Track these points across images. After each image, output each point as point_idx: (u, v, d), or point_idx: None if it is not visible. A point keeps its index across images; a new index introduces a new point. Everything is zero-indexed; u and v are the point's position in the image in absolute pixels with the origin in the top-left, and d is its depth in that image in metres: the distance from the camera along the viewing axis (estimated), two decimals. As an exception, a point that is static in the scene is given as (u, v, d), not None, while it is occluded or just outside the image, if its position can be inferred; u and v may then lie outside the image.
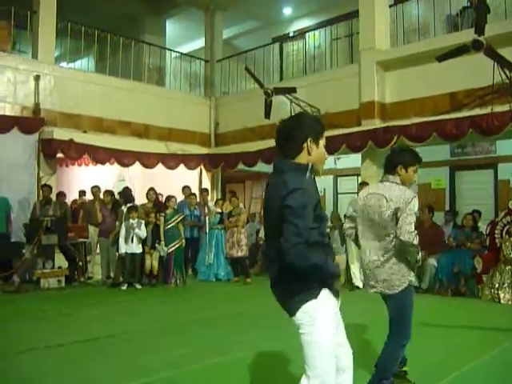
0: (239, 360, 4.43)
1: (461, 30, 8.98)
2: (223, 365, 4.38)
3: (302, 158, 2.40)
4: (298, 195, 2.25)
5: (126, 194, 9.22)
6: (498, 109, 7.65)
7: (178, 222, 9.31)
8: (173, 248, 9.19)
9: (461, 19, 9.24)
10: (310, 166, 2.39)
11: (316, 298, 2.32)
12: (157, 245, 9.15)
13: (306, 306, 2.33)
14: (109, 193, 9.45)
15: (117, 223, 9.04)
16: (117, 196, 9.46)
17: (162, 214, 9.34)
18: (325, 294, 2.35)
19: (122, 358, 4.59)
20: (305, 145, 2.39)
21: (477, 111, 8.00)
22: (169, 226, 9.24)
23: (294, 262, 2.20)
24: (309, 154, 2.40)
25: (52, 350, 4.82)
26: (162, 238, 9.17)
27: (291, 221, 2.21)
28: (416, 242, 3.20)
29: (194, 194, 10.18)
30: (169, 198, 9.51)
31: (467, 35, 7.55)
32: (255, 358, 4.43)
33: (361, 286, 7.74)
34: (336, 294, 2.42)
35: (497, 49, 7.40)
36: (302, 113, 2.60)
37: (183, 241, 9.41)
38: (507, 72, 7.59)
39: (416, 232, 3.21)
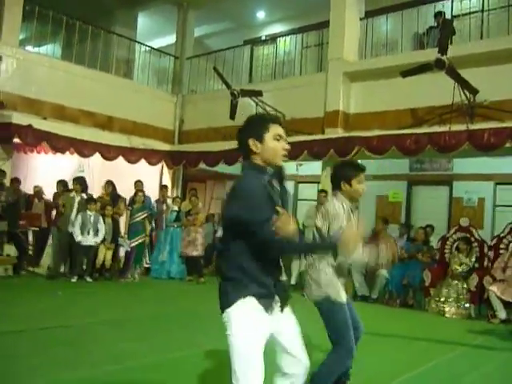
0: (181, 358, 4.42)
1: (426, 48, 9.21)
2: (165, 362, 4.34)
3: (255, 159, 2.40)
4: (246, 198, 2.27)
5: (83, 181, 9.06)
6: (456, 127, 7.88)
7: (143, 218, 9.24)
8: (135, 243, 9.14)
9: (427, 38, 9.47)
10: (268, 170, 2.39)
11: (237, 302, 2.27)
12: (120, 238, 9.07)
13: (229, 309, 2.28)
14: (61, 183, 9.28)
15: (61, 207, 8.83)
16: (70, 184, 9.25)
17: (129, 208, 9.28)
18: (248, 301, 2.28)
19: (62, 350, 4.49)
20: (249, 145, 2.39)
21: (436, 128, 8.22)
22: (134, 221, 9.17)
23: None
24: (255, 153, 2.39)
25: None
26: (126, 231, 9.12)
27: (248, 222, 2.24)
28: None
29: (142, 191, 9.88)
30: (137, 191, 9.45)
31: (432, 54, 7.74)
32: (198, 356, 4.41)
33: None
34: (265, 296, 2.34)
35: (459, 69, 7.63)
36: (249, 116, 2.56)
37: (147, 238, 9.36)
38: (466, 93, 7.84)
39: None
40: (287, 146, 2.43)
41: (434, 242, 8.53)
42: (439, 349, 5.43)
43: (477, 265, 7.80)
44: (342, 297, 3.27)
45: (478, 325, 6.86)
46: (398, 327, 6.55)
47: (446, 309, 7.58)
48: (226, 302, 2.31)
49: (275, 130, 2.40)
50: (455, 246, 8.08)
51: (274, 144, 2.39)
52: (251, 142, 2.38)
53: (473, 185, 10.09)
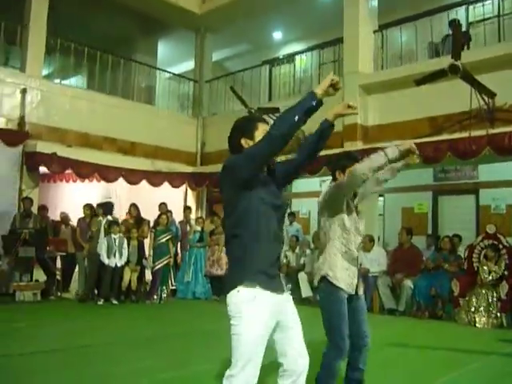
0: (200, 373, 4.40)
1: (442, 56, 9.14)
2: (184, 377, 4.35)
3: None
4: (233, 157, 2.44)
5: (107, 206, 9.25)
6: (476, 133, 7.75)
7: (167, 240, 9.34)
8: (160, 265, 9.21)
9: (442, 46, 9.41)
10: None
11: (244, 285, 2.32)
12: (144, 261, 9.17)
13: (236, 295, 2.33)
14: (88, 206, 9.47)
15: (88, 232, 8.99)
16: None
17: (153, 230, 9.40)
18: (254, 284, 2.32)
19: (85, 369, 4.55)
20: (241, 144, 2.48)
21: (456, 135, 8.10)
22: (158, 243, 9.27)
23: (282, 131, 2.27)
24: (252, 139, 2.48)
25: (15, 359, 4.76)
26: (151, 253, 9.21)
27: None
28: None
29: (170, 211, 10.11)
30: (160, 214, 9.58)
31: (447, 61, 7.66)
32: (216, 371, 4.38)
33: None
34: (276, 286, 2.39)
35: (477, 75, 7.53)
36: (236, 119, 2.64)
37: (171, 259, 9.44)
38: (485, 97, 7.72)
39: None
40: None
41: (462, 251, 8.33)
42: (467, 358, 5.25)
43: (506, 272, 7.55)
44: (341, 283, 3.27)
45: (510, 333, 6.64)
46: (426, 339, 6.37)
47: (477, 319, 7.35)
48: (230, 284, 2.36)
49: (263, 127, 2.50)
50: (483, 253, 7.87)
51: None
52: (243, 141, 2.48)
53: (500, 192, 9.83)
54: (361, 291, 3.41)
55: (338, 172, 3.43)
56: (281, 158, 2.75)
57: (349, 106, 2.63)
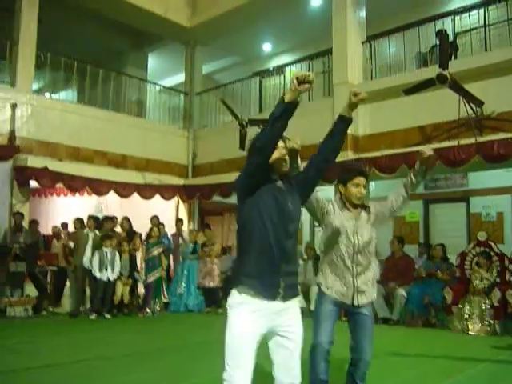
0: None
1: (430, 66, 9.24)
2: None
3: None
4: None
5: (97, 219, 9.23)
6: (465, 141, 7.82)
7: (159, 252, 9.31)
8: (153, 278, 9.17)
9: (430, 56, 9.52)
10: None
11: (234, 292, 2.41)
12: (136, 274, 9.13)
13: (228, 299, 2.45)
14: (78, 220, 9.43)
15: (71, 243, 8.94)
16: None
17: (145, 243, 9.38)
18: (244, 293, 2.38)
19: (80, 383, 4.51)
20: None
21: (445, 144, 8.16)
22: (150, 256, 9.23)
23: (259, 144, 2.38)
24: None
25: (6, 376, 4.70)
26: (142, 266, 9.17)
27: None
28: None
29: (162, 224, 10.11)
30: (152, 227, 9.56)
31: (435, 71, 7.76)
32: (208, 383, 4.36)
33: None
34: (270, 294, 2.40)
35: (465, 84, 7.62)
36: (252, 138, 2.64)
37: (163, 271, 9.40)
38: (473, 106, 7.80)
39: None
40: (284, 152, 2.55)
41: (453, 258, 8.36)
42: (461, 365, 5.26)
43: (498, 279, 7.60)
44: (330, 291, 3.35)
45: (503, 340, 6.63)
46: (420, 347, 6.36)
47: (470, 326, 7.37)
48: (229, 290, 2.47)
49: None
50: (475, 261, 7.91)
51: (274, 154, 2.50)
52: None
53: (490, 199, 9.89)
54: (359, 303, 3.34)
55: (340, 185, 3.45)
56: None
57: (355, 95, 2.63)
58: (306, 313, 7.90)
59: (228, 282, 2.56)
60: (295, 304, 2.49)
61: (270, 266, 2.41)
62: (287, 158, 2.59)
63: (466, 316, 7.46)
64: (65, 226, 10.78)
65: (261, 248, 2.41)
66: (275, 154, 2.51)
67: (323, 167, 2.67)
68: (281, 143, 2.55)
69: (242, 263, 2.47)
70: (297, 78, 2.27)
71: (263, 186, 2.46)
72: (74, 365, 5.22)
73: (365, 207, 3.48)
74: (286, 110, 2.31)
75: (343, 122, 2.67)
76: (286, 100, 2.30)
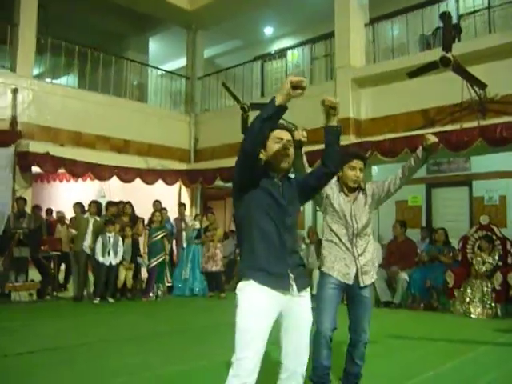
0: (197, 369, 4.41)
1: (433, 48, 9.16)
2: (179, 373, 4.35)
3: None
4: None
5: (99, 204, 9.26)
6: (468, 125, 7.77)
7: (162, 237, 9.33)
8: (155, 262, 9.21)
9: (433, 39, 9.42)
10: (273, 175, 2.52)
11: (245, 280, 2.40)
12: (139, 258, 9.17)
13: (237, 287, 2.43)
14: (78, 205, 9.46)
15: (72, 231, 8.97)
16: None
17: (147, 228, 9.39)
18: (254, 278, 2.37)
19: (80, 365, 4.56)
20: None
21: (448, 127, 8.11)
22: (153, 240, 9.26)
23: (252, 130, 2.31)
24: (261, 159, 2.50)
25: (10, 360, 4.75)
26: (145, 251, 9.20)
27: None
28: None
29: (165, 209, 10.12)
30: (154, 212, 9.57)
31: (438, 53, 7.69)
32: (214, 367, 4.39)
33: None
34: (278, 284, 2.39)
35: (469, 66, 7.56)
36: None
37: (166, 256, 9.43)
38: (476, 89, 7.75)
39: None
40: (287, 145, 2.50)
41: (455, 242, 8.37)
42: (463, 348, 5.28)
43: (500, 263, 7.61)
44: (332, 271, 3.37)
45: (505, 323, 6.67)
46: (422, 330, 6.40)
47: (472, 309, 7.40)
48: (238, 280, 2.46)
49: (276, 134, 2.50)
50: (477, 245, 7.91)
51: (275, 148, 2.48)
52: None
53: (493, 183, 9.86)
54: (364, 283, 3.38)
55: None
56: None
57: (325, 104, 2.56)
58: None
59: (241, 267, 2.55)
60: (306, 293, 2.50)
61: (276, 259, 2.41)
62: (291, 152, 2.52)
63: (467, 299, 7.49)
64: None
65: (264, 242, 2.41)
66: (275, 146, 2.48)
67: (324, 178, 2.67)
68: (286, 135, 2.51)
69: (247, 259, 2.45)
70: (291, 82, 2.20)
71: (260, 182, 2.44)
72: (77, 348, 5.27)
73: (361, 190, 3.51)
74: (277, 114, 2.26)
75: (330, 133, 2.62)
76: (277, 103, 2.23)
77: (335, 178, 3.48)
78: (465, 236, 8.20)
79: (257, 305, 2.35)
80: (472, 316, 7.32)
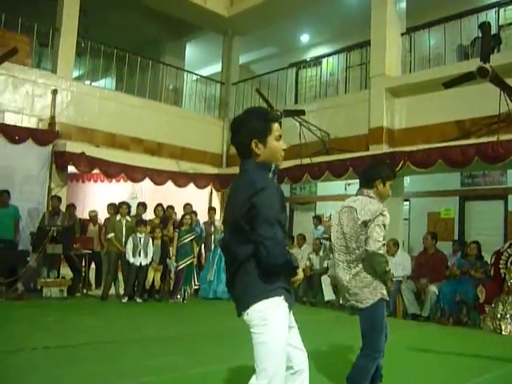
0: (216, 372, 4.43)
1: (471, 59, 9.02)
2: (206, 374, 4.39)
3: (257, 159, 2.38)
4: (267, 194, 2.24)
5: (129, 205, 9.44)
6: (505, 137, 7.62)
7: (191, 240, 9.42)
8: (184, 264, 9.28)
9: (471, 49, 9.28)
10: (272, 167, 2.39)
11: (269, 297, 2.28)
12: (168, 260, 9.26)
13: (260, 304, 2.28)
14: (112, 206, 9.64)
15: (110, 235, 9.12)
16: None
17: (177, 230, 9.49)
18: (278, 295, 2.32)
19: (105, 363, 4.63)
20: (251, 147, 2.36)
21: (484, 139, 7.97)
22: (182, 243, 9.34)
23: (275, 262, 2.21)
24: (257, 154, 2.37)
25: (39, 352, 4.88)
26: (174, 253, 9.30)
27: (265, 220, 2.20)
28: (383, 251, 3.20)
29: (195, 212, 10.20)
30: (184, 214, 9.66)
31: (476, 64, 7.58)
32: (232, 370, 4.42)
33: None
34: (289, 294, 2.39)
35: (507, 78, 7.42)
36: (246, 110, 2.53)
37: (195, 259, 9.50)
38: (514, 101, 7.59)
39: (384, 243, 3.21)
40: (284, 146, 2.45)
41: (487, 257, 8.19)
42: (490, 365, 5.15)
43: (534, 280, 7.40)
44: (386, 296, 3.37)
45: (536, 342, 6.49)
46: (449, 344, 6.27)
47: (503, 326, 7.20)
48: (251, 298, 2.30)
49: (277, 130, 2.41)
50: (510, 260, 7.71)
51: (275, 145, 2.40)
52: (254, 144, 2.36)
53: (530, 197, 9.66)
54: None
55: (379, 181, 3.43)
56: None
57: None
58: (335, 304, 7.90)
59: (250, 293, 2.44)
60: None
61: (285, 277, 2.38)
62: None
63: (498, 315, 7.30)
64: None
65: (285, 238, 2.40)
66: (276, 144, 2.39)
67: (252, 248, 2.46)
68: (280, 130, 2.42)
69: (265, 276, 2.29)
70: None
71: (270, 180, 2.37)
72: (107, 345, 5.38)
73: None
74: (288, 271, 2.37)
75: None
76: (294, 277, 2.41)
77: (373, 190, 3.44)
78: (498, 251, 8.00)
79: (286, 325, 2.35)
80: (503, 333, 7.12)
